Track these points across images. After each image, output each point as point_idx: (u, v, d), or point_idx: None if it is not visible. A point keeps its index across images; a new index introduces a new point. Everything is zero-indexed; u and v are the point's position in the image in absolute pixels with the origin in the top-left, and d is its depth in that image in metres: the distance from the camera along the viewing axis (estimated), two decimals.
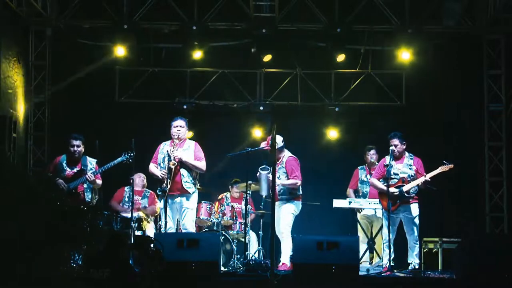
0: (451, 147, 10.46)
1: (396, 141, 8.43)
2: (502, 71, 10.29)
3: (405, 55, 10.06)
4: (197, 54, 10.21)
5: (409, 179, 8.35)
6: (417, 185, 8.30)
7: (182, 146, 8.21)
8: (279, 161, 8.64)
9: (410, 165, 8.44)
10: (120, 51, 10.05)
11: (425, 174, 8.29)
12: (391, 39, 10.21)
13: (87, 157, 8.43)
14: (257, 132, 10.76)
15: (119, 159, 8.21)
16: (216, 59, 10.74)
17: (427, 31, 10.08)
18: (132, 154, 8.19)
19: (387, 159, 8.44)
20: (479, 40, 10.34)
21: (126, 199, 9.47)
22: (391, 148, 8.38)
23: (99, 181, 8.41)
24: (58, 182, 8.14)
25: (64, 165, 8.38)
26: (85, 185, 8.31)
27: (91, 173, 8.25)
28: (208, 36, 10.17)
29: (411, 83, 10.78)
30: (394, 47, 10.21)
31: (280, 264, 8.53)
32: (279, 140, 8.53)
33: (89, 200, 8.32)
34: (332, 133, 10.93)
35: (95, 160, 8.40)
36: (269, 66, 10.81)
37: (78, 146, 8.37)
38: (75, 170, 8.34)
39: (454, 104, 10.65)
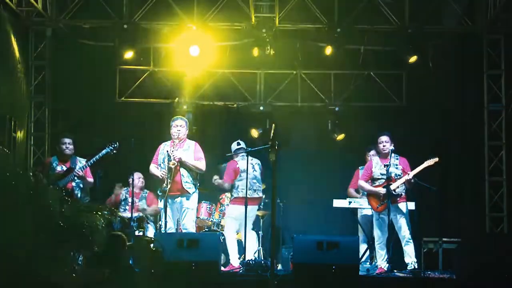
0: (451, 147, 10.46)
1: (386, 138, 8.50)
2: (502, 71, 10.28)
3: (406, 56, 10.05)
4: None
5: (396, 178, 8.38)
6: (404, 183, 8.33)
7: (182, 146, 8.22)
8: None
9: (396, 165, 8.49)
10: (129, 54, 10.06)
11: (408, 172, 8.34)
12: (391, 39, 10.21)
13: (77, 157, 8.47)
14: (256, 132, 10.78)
15: (103, 151, 8.25)
16: (216, 59, 10.74)
17: (427, 31, 10.08)
18: (116, 145, 8.24)
19: (374, 160, 8.52)
20: (479, 40, 10.33)
21: (123, 203, 9.43)
22: (380, 145, 8.45)
23: (90, 179, 8.42)
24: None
25: (55, 165, 8.43)
26: (73, 183, 8.31)
27: (78, 168, 8.27)
28: (207, 36, 10.18)
29: (411, 83, 10.78)
30: (394, 47, 10.21)
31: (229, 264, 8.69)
32: (234, 145, 8.97)
33: (80, 198, 8.33)
34: (333, 134, 10.93)
35: (85, 160, 8.42)
36: (269, 66, 10.82)
37: (69, 144, 8.44)
38: (64, 168, 8.37)
39: (454, 104, 10.64)
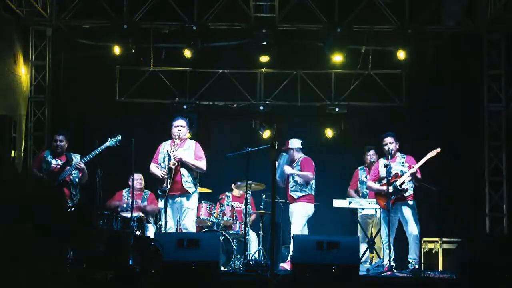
0: (450, 147, 10.45)
1: (390, 139, 8.55)
2: (502, 71, 10.28)
3: (404, 55, 10.04)
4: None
5: (401, 174, 8.43)
6: (411, 180, 8.37)
7: (183, 146, 8.22)
8: (295, 161, 9.17)
9: (403, 163, 8.59)
10: (116, 49, 10.04)
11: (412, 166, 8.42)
12: (391, 39, 10.21)
13: (71, 153, 8.50)
14: (257, 132, 10.78)
15: (106, 144, 8.25)
16: (216, 59, 10.75)
17: (427, 31, 10.08)
18: (119, 138, 8.24)
19: (380, 161, 8.56)
20: (479, 40, 10.33)
21: (125, 205, 9.41)
22: (385, 147, 8.49)
23: (86, 175, 8.44)
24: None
25: (49, 158, 8.46)
26: (71, 177, 8.33)
27: (79, 160, 8.29)
28: (208, 36, 10.18)
29: (411, 83, 10.78)
30: (394, 47, 10.21)
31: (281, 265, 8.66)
32: (298, 143, 9.18)
33: (74, 194, 8.36)
34: (332, 133, 10.93)
35: (79, 155, 8.44)
36: (269, 66, 10.82)
37: (60, 141, 8.50)
38: (60, 163, 8.40)
39: (454, 104, 10.64)
